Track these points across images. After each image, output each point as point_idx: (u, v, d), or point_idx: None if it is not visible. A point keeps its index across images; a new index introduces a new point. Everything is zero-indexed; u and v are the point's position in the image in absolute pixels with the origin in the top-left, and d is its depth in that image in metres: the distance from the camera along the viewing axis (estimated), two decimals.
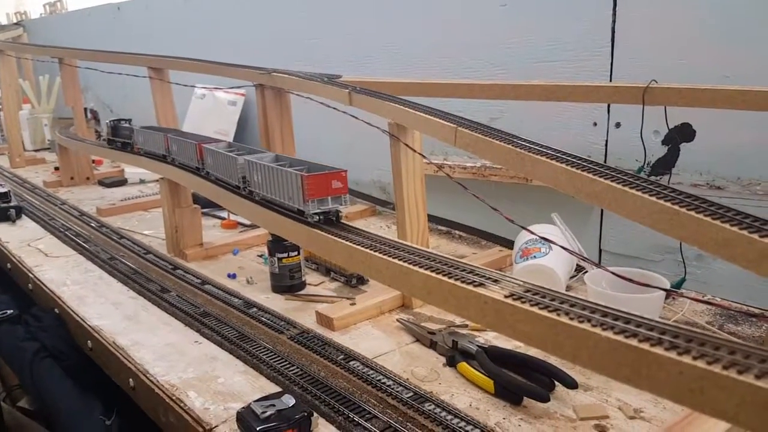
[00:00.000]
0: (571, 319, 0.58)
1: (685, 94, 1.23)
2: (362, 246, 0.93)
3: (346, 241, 0.97)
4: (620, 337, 0.54)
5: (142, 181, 2.86)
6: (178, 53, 2.33)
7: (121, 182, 2.88)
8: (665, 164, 1.51)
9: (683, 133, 1.48)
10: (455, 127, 1.14)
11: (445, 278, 0.72)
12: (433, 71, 1.97)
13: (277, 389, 1.10)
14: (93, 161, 3.01)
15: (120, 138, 2.06)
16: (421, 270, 0.75)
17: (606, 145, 1.61)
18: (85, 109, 3.42)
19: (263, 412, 0.98)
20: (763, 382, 0.45)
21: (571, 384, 1.04)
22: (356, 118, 1.48)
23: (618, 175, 0.86)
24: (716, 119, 1.36)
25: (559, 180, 0.90)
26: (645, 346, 0.53)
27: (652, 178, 1.52)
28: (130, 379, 1.21)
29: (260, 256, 1.84)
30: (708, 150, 1.44)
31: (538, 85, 1.37)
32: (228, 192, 1.40)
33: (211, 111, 2.87)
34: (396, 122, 1.35)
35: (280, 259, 1.54)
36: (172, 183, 1.77)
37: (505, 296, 0.64)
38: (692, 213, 0.74)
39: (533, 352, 1.18)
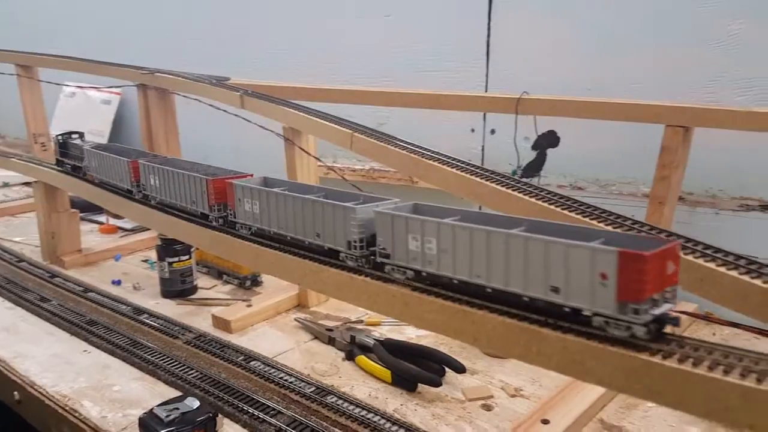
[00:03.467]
0: (471, 306, 0.66)
1: (552, 105, 1.38)
2: None
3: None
4: (514, 320, 0.63)
5: (5, 185, 2.65)
6: (44, 49, 2.20)
7: None
8: (534, 167, 1.66)
9: (549, 140, 1.64)
10: (351, 133, 1.20)
11: (355, 276, 0.77)
12: (320, 76, 2.02)
13: (178, 394, 1.10)
14: None
15: (70, 159, 1.55)
16: (332, 269, 0.80)
17: (483, 149, 1.75)
18: None
19: (167, 416, 0.98)
20: (631, 352, 0.55)
21: (460, 369, 1.14)
22: (249, 121, 1.50)
23: (501, 179, 0.96)
24: (578, 127, 1.52)
25: (449, 183, 0.98)
26: (534, 326, 0.61)
27: (524, 179, 1.67)
28: (15, 393, 1.15)
29: (145, 261, 1.80)
30: (571, 155, 1.61)
31: (423, 94, 1.46)
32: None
33: (82, 110, 2.73)
34: (291, 126, 1.38)
35: (170, 264, 1.52)
36: (48, 186, 1.68)
37: (413, 289, 0.71)
38: (565, 211, 0.85)
39: (425, 342, 1.27)
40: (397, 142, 1.17)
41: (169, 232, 1.25)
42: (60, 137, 1.58)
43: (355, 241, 0.80)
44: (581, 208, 0.84)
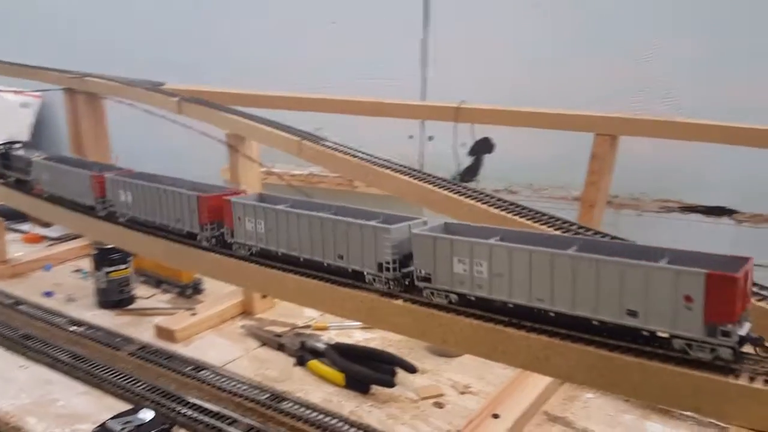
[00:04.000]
0: (439, 309, 0.69)
1: (490, 114, 1.44)
2: None
3: None
4: (480, 322, 0.67)
5: None
6: None
7: None
8: (471, 172, 1.73)
9: (485, 146, 1.71)
10: (299, 141, 1.21)
11: (318, 282, 0.79)
12: (261, 82, 2.00)
13: (127, 406, 1.08)
14: None
15: (14, 172, 1.38)
16: (295, 276, 0.82)
17: (422, 155, 1.80)
18: None
19: (121, 429, 0.96)
20: (591, 348, 0.60)
21: (411, 369, 1.17)
22: (190, 128, 1.48)
23: (452, 186, 1.00)
24: (512, 134, 1.60)
25: (402, 190, 1.02)
26: (499, 327, 0.65)
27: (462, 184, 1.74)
28: None
29: (77, 270, 1.73)
30: (505, 161, 1.69)
31: (366, 102, 1.49)
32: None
33: None
34: (235, 133, 1.38)
35: (107, 273, 1.48)
36: None
37: (381, 294, 0.74)
38: (516, 217, 0.91)
39: (373, 344, 1.30)
40: (346, 149, 1.19)
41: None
42: (1, 147, 1.43)
43: (387, 263, 0.74)
44: (531, 213, 0.89)
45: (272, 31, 2.02)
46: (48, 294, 1.57)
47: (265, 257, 0.89)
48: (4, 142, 1.45)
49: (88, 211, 1.16)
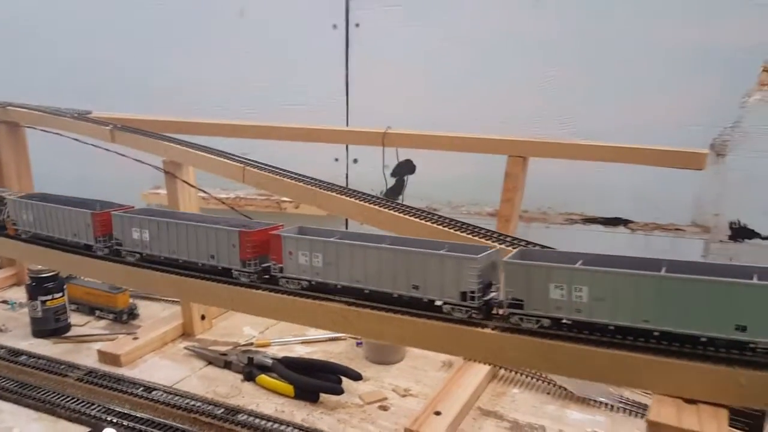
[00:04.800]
0: (411, 315, 0.80)
1: (414, 138, 1.56)
2: None
3: None
4: (445, 323, 0.78)
5: None
6: None
7: None
8: (396, 192, 1.86)
9: (406, 168, 1.85)
10: (243, 167, 1.29)
11: (287, 296, 0.87)
12: (181, 108, 2.04)
13: (83, 429, 1.10)
14: None
15: None
16: (264, 293, 0.89)
17: (347, 177, 1.91)
18: None
19: None
20: (542, 339, 0.72)
21: (356, 377, 1.26)
22: (124, 155, 1.50)
23: (396, 206, 1.11)
24: (432, 157, 1.73)
25: (350, 211, 1.12)
26: (462, 326, 0.77)
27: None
28: None
29: (4, 302, 1.69)
30: (426, 181, 1.83)
31: (298, 128, 1.58)
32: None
33: None
34: (172, 160, 1.43)
35: (43, 302, 1.47)
36: None
37: (348, 304, 0.84)
38: (461, 233, 1.03)
39: (316, 356, 1.38)
40: (290, 174, 1.28)
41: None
42: None
43: (473, 292, 0.77)
44: (476, 229, 1.02)
45: (191, 60, 2.06)
46: None
47: (319, 291, 0.89)
48: None
49: (84, 250, 1.12)
